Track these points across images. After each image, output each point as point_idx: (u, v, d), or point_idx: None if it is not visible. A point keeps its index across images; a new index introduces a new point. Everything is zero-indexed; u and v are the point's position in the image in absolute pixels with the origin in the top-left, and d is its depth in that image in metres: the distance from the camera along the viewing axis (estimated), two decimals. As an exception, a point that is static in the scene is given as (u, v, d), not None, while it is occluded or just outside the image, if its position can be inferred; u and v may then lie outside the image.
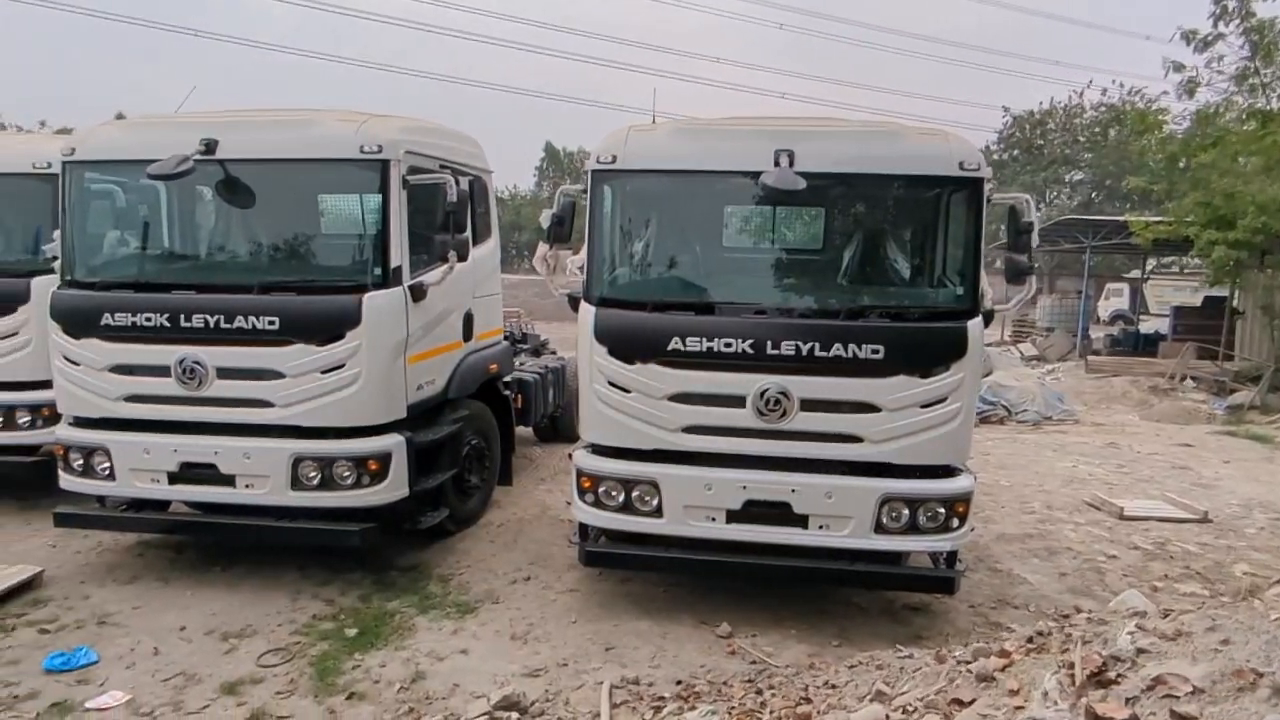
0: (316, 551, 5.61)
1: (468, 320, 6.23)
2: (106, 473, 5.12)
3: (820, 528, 4.66)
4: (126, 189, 5.73)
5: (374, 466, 5.03)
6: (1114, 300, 33.24)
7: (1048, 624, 3.77)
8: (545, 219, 5.17)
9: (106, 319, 4.96)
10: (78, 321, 5.08)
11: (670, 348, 4.59)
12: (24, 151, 6.33)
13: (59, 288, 5.24)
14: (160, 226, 5.67)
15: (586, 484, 4.89)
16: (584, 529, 5.10)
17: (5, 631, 4.55)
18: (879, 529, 4.61)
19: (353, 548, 5.19)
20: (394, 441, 5.11)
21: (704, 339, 4.56)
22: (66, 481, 5.26)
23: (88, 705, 3.85)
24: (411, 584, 5.42)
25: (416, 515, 5.52)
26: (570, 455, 5.31)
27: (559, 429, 9.58)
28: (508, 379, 7.21)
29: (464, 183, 5.35)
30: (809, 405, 4.57)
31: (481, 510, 6.80)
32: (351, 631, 4.66)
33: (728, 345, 4.55)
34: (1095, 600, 5.34)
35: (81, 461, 5.17)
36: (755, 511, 4.69)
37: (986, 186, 4.56)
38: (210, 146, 4.83)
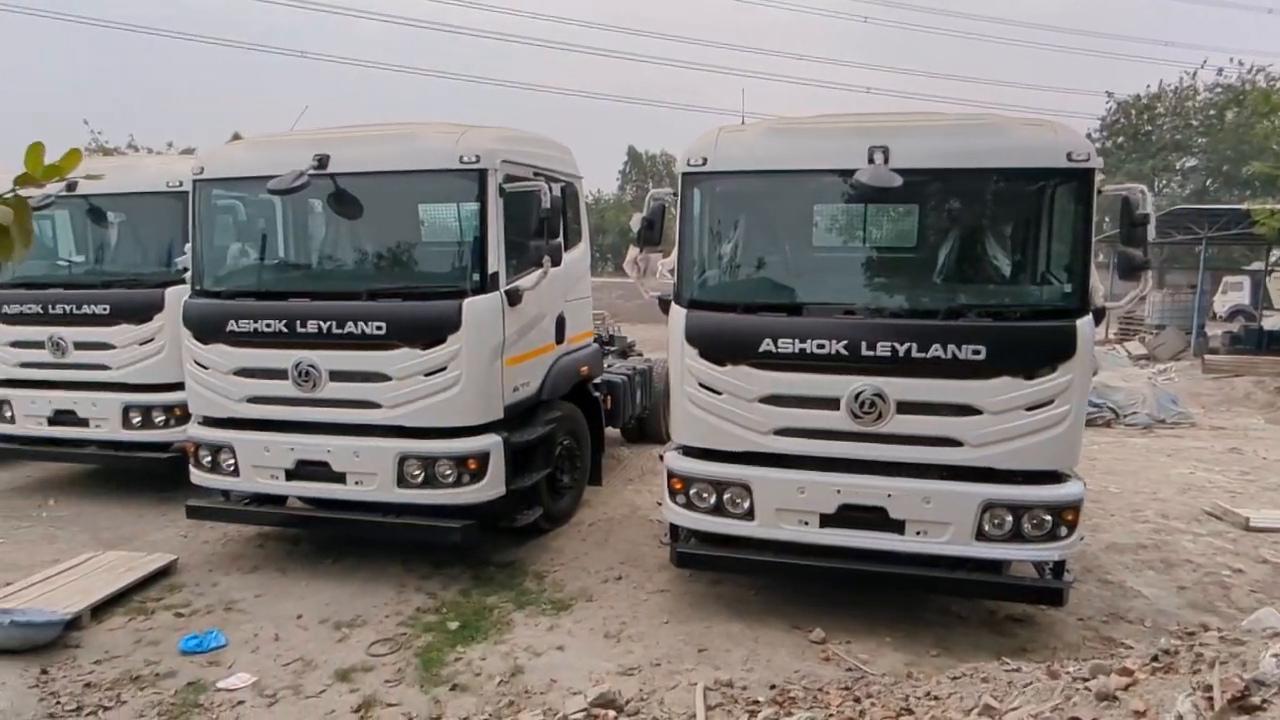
0: (419, 546, 5.86)
1: (560, 323, 6.37)
2: (231, 469, 5.50)
3: (918, 533, 4.55)
4: (247, 204, 6.14)
5: (473, 465, 5.22)
6: (1232, 295, 30.82)
7: (1172, 642, 3.56)
8: (635, 222, 5.26)
9: (231, 325, 5.33)
10: (206, 328, 5.48)
11: (762, 349, 4.58)
12: (159, 172, 6.87)
13: (189, 297, 5.67)
14: (277, 239, 6.06)
15: (678, 485, 4.93)
16: (675, 530, 5.14)
17: (146, 614, 4.96)
18: (980, 536, 4.45)
19: (453, 544, 5.39)
20: (492, 441, 5.29)
21: (796, 340, 4.53)
22: (196, 477, 5.69)
23: (219, 685, 4.15)
24: (508, 580, 5.59)
25: (513, 513, 5.69)
26: (661, 457, 5.37)
27: (646, 430, 9.69)
28: (597, 381, 7.34)
29: (556, 189, 5.48)
30: (906, 407, 4.47)
31: (573, 509, 6.94)
32: (453, 624, 4.85)
33: (821, 346, 4.50)
34: (1221, 618, 5.01)
35: (209, 458, 5.58)
36: (850, 516, 4.60)
37: (1096, 178, 4.35)
38: (322, 162, 5.13)
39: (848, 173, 4.44)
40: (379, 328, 5.10)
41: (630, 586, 5.54)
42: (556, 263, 5.52)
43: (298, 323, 5.19)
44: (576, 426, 6.78)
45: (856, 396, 4.47)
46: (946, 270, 4.96)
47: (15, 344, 7.14)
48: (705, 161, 4.77)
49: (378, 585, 5.45)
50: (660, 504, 5.50)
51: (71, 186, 6.92)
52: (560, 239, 5.58)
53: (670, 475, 4.96)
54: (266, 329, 5.25)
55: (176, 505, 6.63)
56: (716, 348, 4.72)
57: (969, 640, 4.73)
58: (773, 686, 4.10)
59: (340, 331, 5.14)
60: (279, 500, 5.80)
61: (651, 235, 5.17)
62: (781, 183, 4.92)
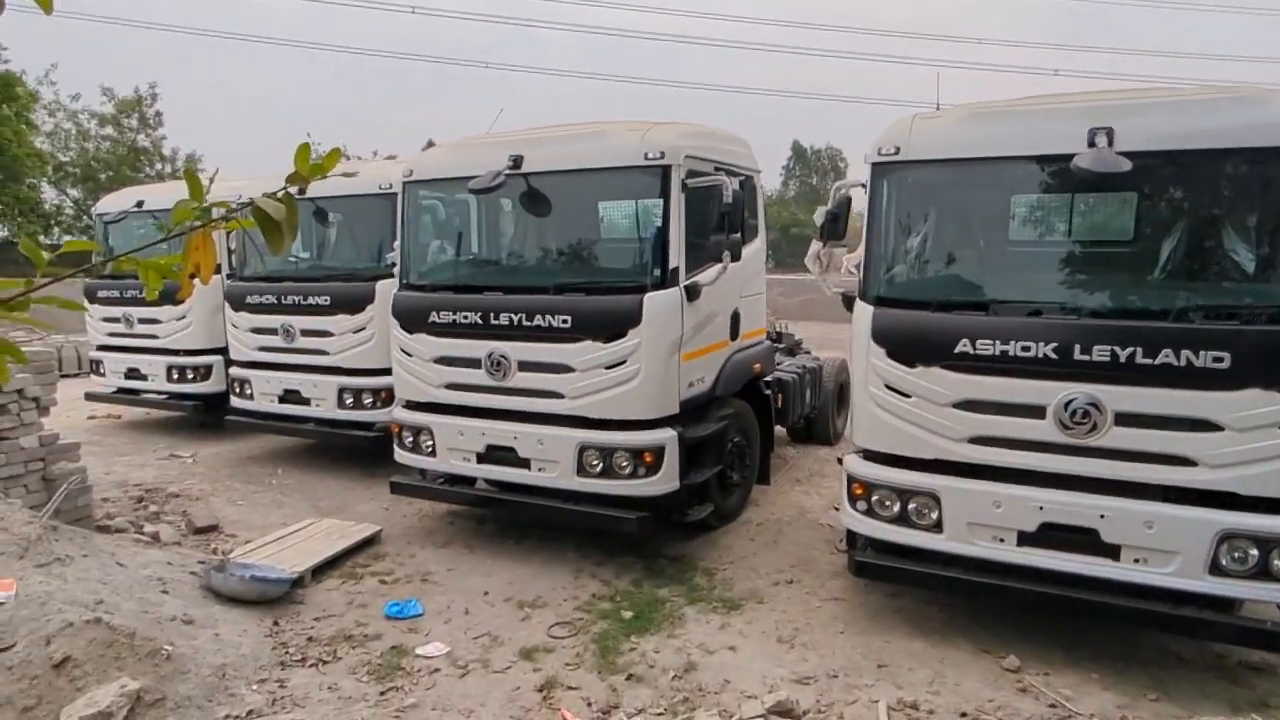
0: (592, 534, 6.05)
1: (735, 319, 6.32)
2: (430, 450, 5.95)
3: (1136, 561, 4.04)
4: (446, 204, 6.62)
5: (649, 459, 5.29)
6: None
7: None
8: (819, 216, 5.09)
9: (433, 316, 5.76)
10: (411, 318, 5.96)
11: (958, 350, 4.27)
12: (373, 176, 7.56)
13: (397, 290, 6.19)
14: (473, 235, 6.49)
15: (859, 491, 4.72)
16: (852, 537, 4.94)
17: (356, 579, 5.48)
18: (1215, 569, 3.89)
19: (627, 534, 5.51)
20: (668, 436, 5.34)
21: (998, 341, 4.18)
22: (400, 455, 6.21)
23: (418, 651, 4.50)
24: (679, 574, 5.63)
25: (685, 508, 5.72)
26: (840, 460, 5.18)
27: (814, 431, 9.45)
28: (769, 378, 7.22)
29: (736, 183, 5.43)
30: (1126, 420, 3.98)
31: (741, 508, 6.88)
32: (627, 614, 4.95)
33: (1026, 349, 4.12)
34: None
35: (411, 439, 6.07)
36: (1053, 536, 4.18)
37: None
38: (517, 162, 5.41)
39: (1064, 158, 4.03)
40: (564, 321, 5.31)
41: (802, 591, 5.39)
42: (736, 258, 5.47)
43: (491, 315, 5.52)
44: (747, 424, 6.70)
45: (1067, 405, 4.06)
46: (1178, 266, 4.32)
47: (255, 330, 8.16)
48: (898, 151, 4.53)
49: (555, 568, 5.68)
50: (837, 509, 5.32)
51: (302, 191, 7.77)
52: (740, 234, 5.52)
53: (850, 480, 4.76)
54: (464, 320, 5.62)
55: (380, 480, 7.29)
56: (906, 348, 4.46)
57: (1194, 687, 4.16)
58: (963, 715, 3.83)
59: (529, 324, 5.39)
60: (469, 481, 6.21)
61: (836, 229, 5.00)
62: (983, 171, 4.57)
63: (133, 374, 9.62)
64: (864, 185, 4.79)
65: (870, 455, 4.74)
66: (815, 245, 5.21)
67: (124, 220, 9.90)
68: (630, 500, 5.42)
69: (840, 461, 5.13)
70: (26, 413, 5.08)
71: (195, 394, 9.24)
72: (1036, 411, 4.14)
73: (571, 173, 5.44)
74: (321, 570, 5.51)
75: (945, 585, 4.70)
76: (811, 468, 8.62)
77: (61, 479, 5.23)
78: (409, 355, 5.99)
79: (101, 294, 9.80)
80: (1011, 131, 4.38)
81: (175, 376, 9.23)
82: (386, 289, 6.59)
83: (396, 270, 6.26)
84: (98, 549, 4.84)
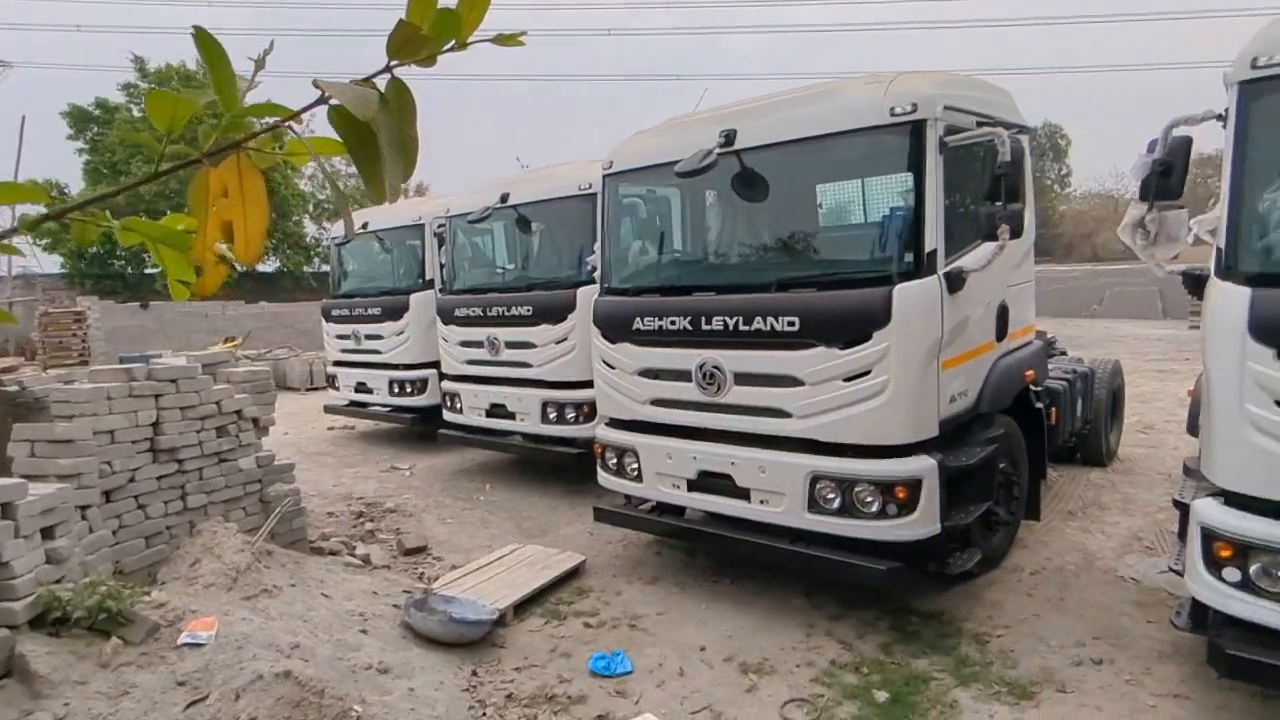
0: (822, 580, 5.03)
1: (1002, 314, 5.01)
2: (635, 474, 5.27)
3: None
4: (648, 200, 5.93)
5: (902, 494, 4.19)
6: None
7: None
8: (1139, 169, 3.73)
9: (637, 324, 5.06)
10: (614, 327, 5.31)
11: None
12: (571, 177, 7.13)
13: (599, 295, 5.59)
14: (681, 231, 5.73)
15: (1225, 553, 3.31)
16: (1200, 611, 3.52)
17: (559, 619, 4.91)
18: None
19: (871, 586, 4.45)
20: (926, 465, 4.20)
21: None
22: (603, 479, 5.59)
23: (627, 721, 3.79)
24: (938, 639, 4.46)
25: (945, 555, 4.53)
26: (1180, 501, 3.77)
27: (1086, 450, 7.71)
28: (1038, 389, 5.75)
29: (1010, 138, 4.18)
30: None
31: (1007, 550, 5.51)
32: (880, 695, 3.89)
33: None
34: None
35: (615, 461, 5.42)
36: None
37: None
38: (729, 138, 4.56)
39: None
40: (791, 323, 4.36)
41: (1119, 678, 4.01)
42: (1017, 233, 4.22)
43: (702, 319, 4.70)
44: (1016, 446, 5.33)
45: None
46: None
47: (463, 343, 8.06)
48: (1289, 58, 3.09)
49: (782, 620, 4.75)
50: (1176, 570, 3.89)
51: (504, 198, 7.56)
52: (1020, 203, 4.26)
53: (1209, 536, 3.36)
54: (671, 326, 4.86)
55: (584, 500, 6.80)
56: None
57: None
58: None
59: (747, 328, 4.51)
60: (679, 511, 5.44)
61: (1169, 185, 3.63)
62: None
63: (361, 388, 10.07)
64: (1220, 117, 3.39)
65: (1237, 501, 3.32)
66: (1135, 210, 3.83)
67: (352, 243, 10.46)
68: (876, 544, 4.35)
69: (1181, 505, 3.72)
70: (245, 434, 5.09)
71: (413, 407, 9.43)
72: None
73: (798, 143, 4.45)
74: (524, 606, 5.02)
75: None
76: (1085, 496, 7.00)
77: (277, 501, 5.19)
78: (611, 368, 5.35)
79: (334, 313, 10.40)
80: None
81: (395, 390, 9.49)
82: (588, 296, 6.04)
83: (598, 274, 5.67)
84: (306, 576, 4.67)
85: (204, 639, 3.57)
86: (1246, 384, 3.18)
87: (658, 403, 5.08)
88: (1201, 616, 3.58)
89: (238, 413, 5.04)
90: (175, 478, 4.77)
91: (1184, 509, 3.71)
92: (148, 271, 26.61)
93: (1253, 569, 3.23)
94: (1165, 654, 4.19)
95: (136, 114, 26.82)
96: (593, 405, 6.22)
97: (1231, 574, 3.29)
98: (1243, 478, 3.28)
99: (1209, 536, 3.37)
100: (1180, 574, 3.73)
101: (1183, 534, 3.79)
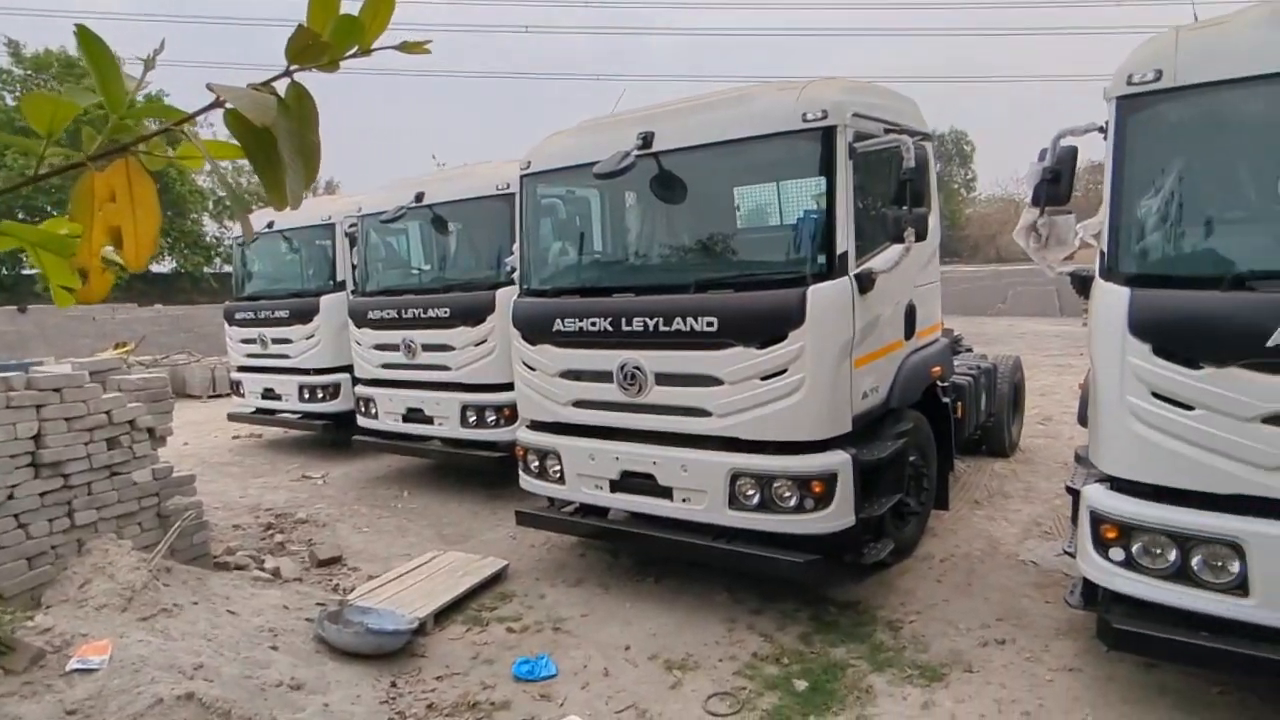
0: (744, 575, 5.13)
1: (909, 314, 5.23)
2: (557, 476, 5.23)
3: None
4: (568, 201, 5.90)
5: (818, 489, 4.32)
6: None
7: None
8: (1031, 176, 3.96)
9: (558, 325, 5.03)
10: (533, 328, 5.26)
11: (1273, 344, 3.05)
12: (490, 176, 7.02)
13: (517, 297, 5.53)
14: (600, 232, 5.72)
15: (1110, 534, 3.55)
16: (1091, 591, 3.77)
17: (481, 625, 4.83)
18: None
19: (791, 579, 4.56)
20: (840, 460, 4.34)
21: None
22: (525, 482, 5.52)
23: (550, 724, 3.76)
24: (854, 627, 4.62)
25: (860, 546, 4.69)
26: (1072, 488, 4.02)
27: (989, 442, 8.12)
28: (946, 384, 6.03)
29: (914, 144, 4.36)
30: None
31: (918, 539, 5.74)
32: (800, 684, 4.00)
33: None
34: None
35: (537, 463, 5.37)
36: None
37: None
38: (647, 140, 4.59)
39: None
40: (709, 324, 4.42)
41: (1020, 656, 4.25)
42: (922, 236, 4.42)
43: (622, 320, 4.72)
44: (924, 440, 5.57)
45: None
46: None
47: (378, 346, 7.82)
48: (1160, 76, 3.35)
49: (705, 616, 4.81)
50: (1069, 553, 4.14)
51: (419, 197, 7.37)
52: (925, 207, 4.45)
53: (1096, 518, 3.60)
54: (591, 328, 4.86)
55: (506, 504, 6.70)
56: (1184, 341, 3.28)
57: None
58: None
59: (667, 329, 4.55)
60: (602, 512, 5.44)
61: (1058, 191, 3.87)
62: None
63: (269, 394, 9.64)
64: (1101, 129, 3.64)
65: (1121, 486, 3.57)
66: (1028, 214, 4.07)
67: (257, 242, 9.99)
68: (795, 538, 4.46)
69: (1073, 491, 3.97)
70: (139, 444, 4.78)
71: (325, 413, 9.10)
72: None
73: (713, 146, 4.52)
74: (445, 613, 4.91)
75: (1247, 667, 3.44)
76: (990, 486, 7.37)
77: (176, 515, 4.90)
78: (532, 370, 5.30)
79: (238, 315, 9.91)
80: None
81: (306, 396, 9.12)
82: (507, 297, 5.96)
83: (517, 275, 5.60)
84: (210, 593, 4.43)
85: (96, 664, 3.33)
86: (1127, 377, 3.42)
87: (579, 404, 5.07)
88: (1092, 595, 3.82)
89: (130, 423, 4.73)
90: (61, 494, 4.44)
91: (1076, 495, 3.96)
92: (25, 272, 24.64)
93: (1135, 548, 3.47)
94: (1061, 631, 4.46)
95: (10, 102, 24.82)
96: (513, 408, 6.14)
97: (1117, 553, 3.53)
98: (1125, 464, 3.53)
99: (1096, 519, 3.61)
100: (1073, 555, 3.98)
101: (1075, 518, 4.05)
